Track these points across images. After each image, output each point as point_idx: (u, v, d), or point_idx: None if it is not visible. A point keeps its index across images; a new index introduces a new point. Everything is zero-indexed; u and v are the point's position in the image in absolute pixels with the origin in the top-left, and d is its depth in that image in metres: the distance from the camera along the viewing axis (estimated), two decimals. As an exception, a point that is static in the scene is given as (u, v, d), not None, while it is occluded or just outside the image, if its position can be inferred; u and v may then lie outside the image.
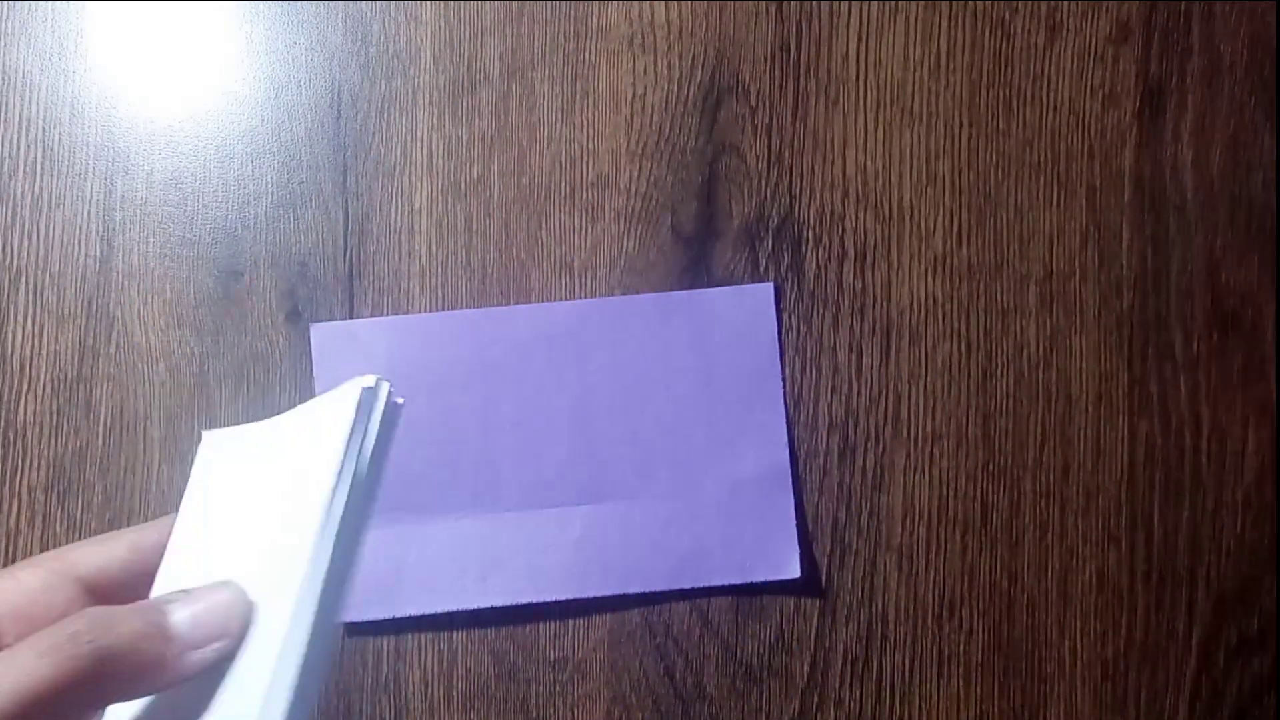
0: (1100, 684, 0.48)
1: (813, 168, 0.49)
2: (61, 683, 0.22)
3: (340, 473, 0.26)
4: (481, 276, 0.49)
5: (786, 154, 0.49)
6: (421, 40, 0.49)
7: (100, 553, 0.28)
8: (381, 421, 0.27)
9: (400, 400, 0.28)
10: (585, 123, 0.49)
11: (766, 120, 0.49)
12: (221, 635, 0.25)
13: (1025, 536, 0.49)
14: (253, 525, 0.27)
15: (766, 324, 0.48)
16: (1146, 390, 0.49)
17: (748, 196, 0.49)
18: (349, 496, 0.26)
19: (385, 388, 0.27)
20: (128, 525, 0.47)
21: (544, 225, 0.49)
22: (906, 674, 0.48)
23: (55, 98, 0.48)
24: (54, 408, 0.48)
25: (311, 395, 0.48)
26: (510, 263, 0.49)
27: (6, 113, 0.48)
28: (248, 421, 0.48)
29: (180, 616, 0.25)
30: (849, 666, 0.48)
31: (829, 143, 0.49)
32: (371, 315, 0.48)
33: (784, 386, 0.48)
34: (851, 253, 0.49)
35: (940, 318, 0.49)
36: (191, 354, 0.48)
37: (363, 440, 0.27)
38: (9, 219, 0.48)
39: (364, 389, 0.27)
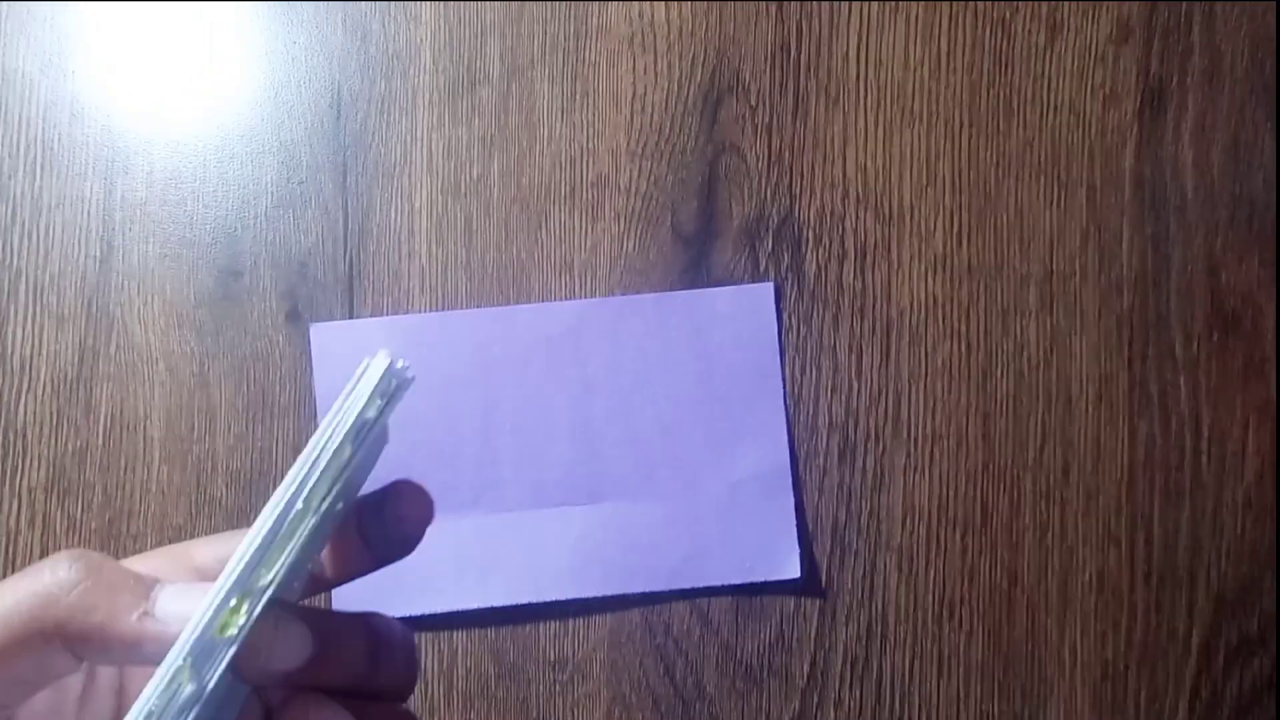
0: (1100, 684, 0.48)
1: (813, 168, 0.49)
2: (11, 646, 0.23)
3: (314, 449, 0.24)
4: (481, 276, 0.49)
5: (786, 154, 0.49)
6: (421, 40, 0.49)
7: (218, 547, 0.28)
8: (372, 392, 0.25)
9: (402, 364, 0.25)
10: (585, 123, 0.49)
11: (766, 120, 0.49)
12: None
13: (1025, 537, 0.49)
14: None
15: (766, 324, 0.48)
16: (1146, 391, 0.49)
17: (748, 196, 0.49)
18: (314, 471, 0.24)
19: (381, 357, 0.25)
20: (127, 526, 0.47)
21: (544, 225, 0.49)
22: (906, 674, 0.48)
23: (55, 98, 0.48)
24: (54, 408, 0.48)
25: (311, 395, 0.48)
26: (510, 263, 0.49)
27: (6, 113, 0.48)
28: (247, 421, 0.48)
29: (166, 606, 0.24)
30: (849, 666, 0.48)
31: (829, 143, 0.49)
32: (371, 315, 0.48)
33: (784, 386, 0.48)
34: (851, 253, 0.49)
35: (940, 318, 0.49)
36: (191, 354, 0.48)
37: (339, 414, 0.25)
38: (9, 219, 0.48)
39: (366, 360, 0.25)
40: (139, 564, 0.27)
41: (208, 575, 0.28)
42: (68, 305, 0.48)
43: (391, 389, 0.25)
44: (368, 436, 0.25)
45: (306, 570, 0.27)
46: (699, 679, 0.48)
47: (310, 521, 0.24)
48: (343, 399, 0.25)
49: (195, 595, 0.24)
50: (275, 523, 0.24)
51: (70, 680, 0.27)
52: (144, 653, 0.23)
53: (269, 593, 0.23)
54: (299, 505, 0.24)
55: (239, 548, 0.24)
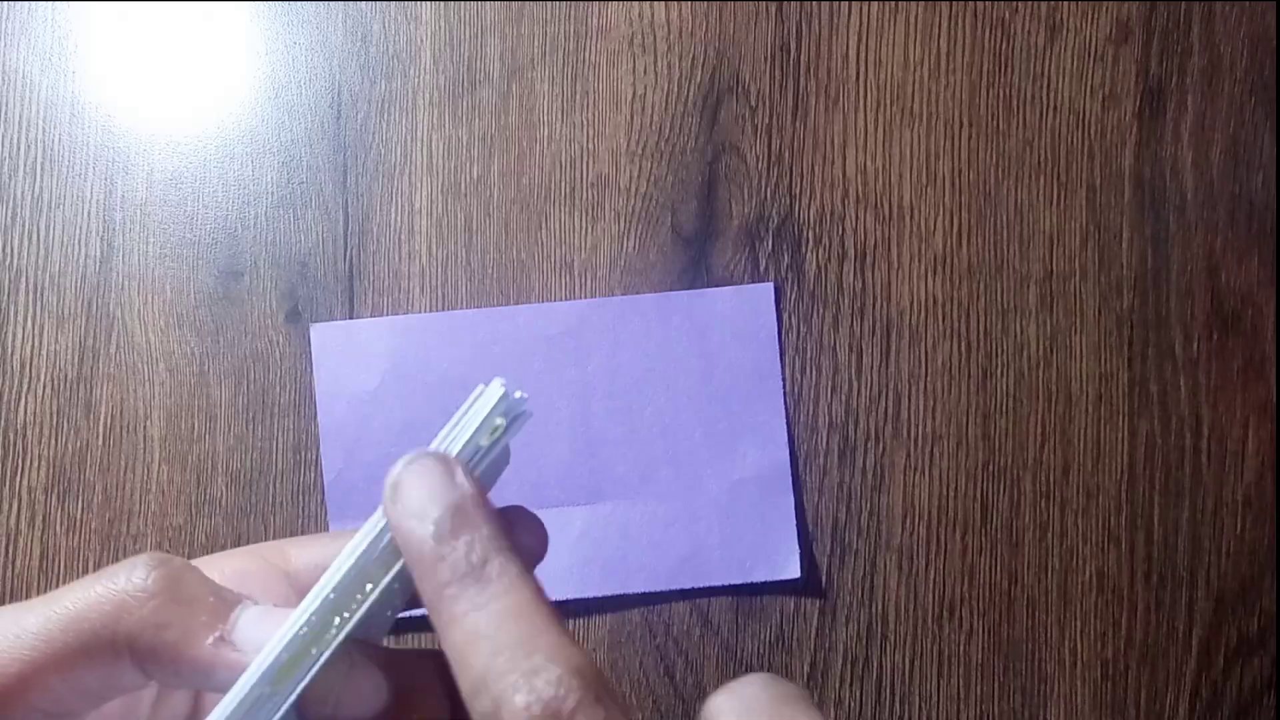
0: (1100, 684, 0.48)
1: (813, 168, 0.49)
2: (76, 659, 0.21)
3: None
4: (481, 276, 0.49)
5: (786, 154, 0.49)
6: (421, 40, 0.49)
7: (316, 551, 0.26)
8: (476, 430, 0.22)
9: (520, 394, 0.23)
10: (585, 123, 0.49)
11: (766, 120, 0.49)
12: None
13: (1025, 536, 0.49)
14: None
15: (766, 324, 0.48)
16: (1146, 390, 0.49)
17: (748, 196, 0.49)
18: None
19: (495, 386, 0.23)
20: (128, 525, 0.47)
21: (544, 225, 0.49)
22: (906, 674, 0.48)
23: (55, 98, 0.48)
24: (54, 408, 0.48)
25: (311, 395, 0.48)
26: (510, 263, 0.49)
27: (6, 113, 0.48)
28: (247, 421, 0.48)
29: (246, 632, 0.22)
30: (849, 666, 0.48)
31: (829, 143, 0.49)
32: (371, 315, 0.48)
33: (784, 386, 0.48)
34: (851, 253, 0.49)
35: (940, 318, 0.49)
36: (191, 354, 0.48)
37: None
38: (9, 219, 0.48)
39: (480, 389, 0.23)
40: (225, 564, 0.25)
41: (302, 583, 0.25)
42: (68, 305, 0.48)
43: (499, 434, 0.23)
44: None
45: (402, 597, 0.25)
46: (699, 679, 0.48)
47: (398, 566, 0.22)
48: (447, 431, 0.23)
49: (280, 621, 0.22)
50: (357, 563, 0.22)
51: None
52: (216, 680, 0.21)
53: (338, 640, 0.21)
54: (383, 544, 0.22)
55: (311, 592, 0.21)
